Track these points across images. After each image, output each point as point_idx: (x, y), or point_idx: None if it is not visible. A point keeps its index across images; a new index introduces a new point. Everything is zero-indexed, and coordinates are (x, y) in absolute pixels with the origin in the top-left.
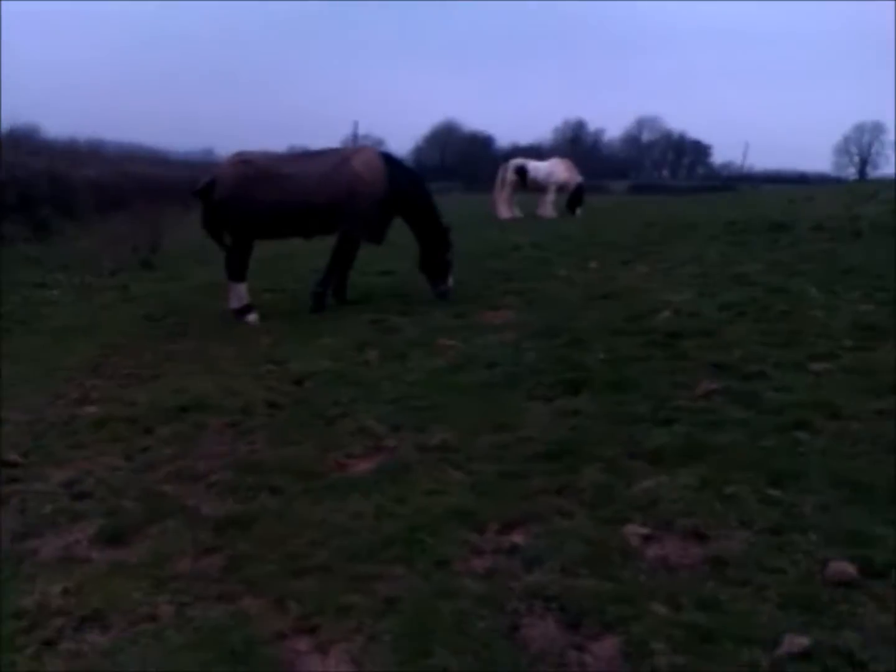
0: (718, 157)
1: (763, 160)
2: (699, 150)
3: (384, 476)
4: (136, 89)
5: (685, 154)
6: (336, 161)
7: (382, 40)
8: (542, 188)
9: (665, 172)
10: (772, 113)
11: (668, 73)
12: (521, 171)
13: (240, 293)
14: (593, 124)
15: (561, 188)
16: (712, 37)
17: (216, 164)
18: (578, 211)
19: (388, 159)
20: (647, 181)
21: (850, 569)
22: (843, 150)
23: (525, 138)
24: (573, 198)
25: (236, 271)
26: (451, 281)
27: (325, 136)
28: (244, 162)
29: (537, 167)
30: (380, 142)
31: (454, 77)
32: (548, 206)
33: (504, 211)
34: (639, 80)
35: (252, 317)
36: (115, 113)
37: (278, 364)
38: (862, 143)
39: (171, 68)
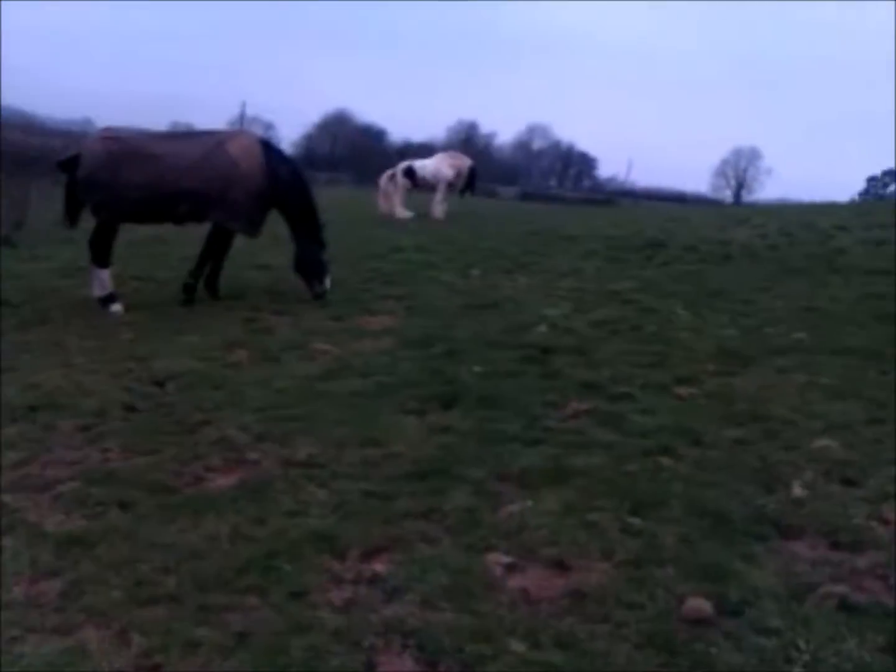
0: (604, 171)
1: (645, 177)
2: (586, 163)
3: (243, 493)
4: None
5: (572, 165)
6: (211, 145)
7: (278, 21)
8: (432, 186)
9: (553, 182)
10: (655, 132)
11: (561, 83)
12: (410, 173)
13: (103, 280)
14: (486, 127)
15: (451, 184)
16: (605, 49)
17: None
18: (468, 195)
19: (267, 147)
20: (535, 189)
21: (705, 606)
22: (720, 172)
23: (418, 135)
24: (467, 183)
25: (99, 255)
26: (327, 282)
27: (211, 115)
28: (112, 138)
29: (424, 166)
30: (269, 125)
31: (349, 66)
32: (437, 207)
33: (396, 212)
34: (531, 86)
35: (116, 307)
36: None
37: (140, 361)
38: (738, 168)
39: (56, 30)
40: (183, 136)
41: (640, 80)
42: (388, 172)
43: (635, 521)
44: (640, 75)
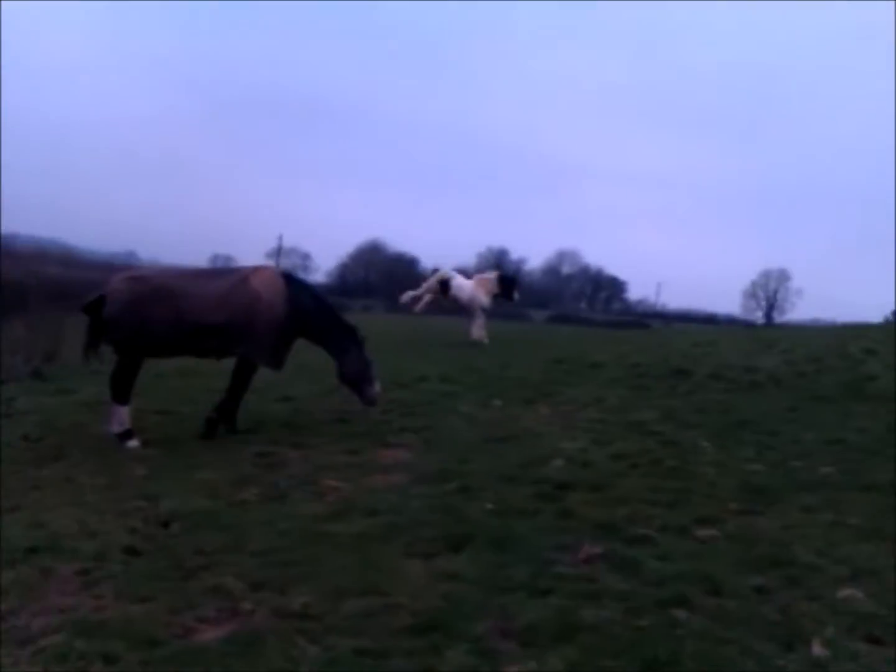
0: (634, 294)
1: (675, 299)
2: (615, 286)
3: (233, 648)
4: (60, 185)
5: (602, 288)
6: (234, 281)
7: (313, 157)
8: (464, 308)
9: (583, 305)
10: (684, 255)
11: (589, 210)
12: (445, 284)
13: (121, 416)
14: (515, 253)
15: (483, 310)
16: (630, 178)
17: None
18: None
19: (288, 278)
20: (566, 312)
21: None
22: (750, 294)
23: (449, 262)
24: (504, 292)
25: (120, 392)
26: (377, 386)
27: (249, 247)
28: (136, 279)
29: (461, 286)
30: (306, 256)
31: (382, 198)
32: (475, 330)
33: (417, 306)
34: (560, 214)
35: (133, 443)
36: (34, 207)
37: (149, 500)
38: (768, 289)
39: (98, 171)
40: (206, 273)
41: (666, 205)
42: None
43: None
44: (665, 201)
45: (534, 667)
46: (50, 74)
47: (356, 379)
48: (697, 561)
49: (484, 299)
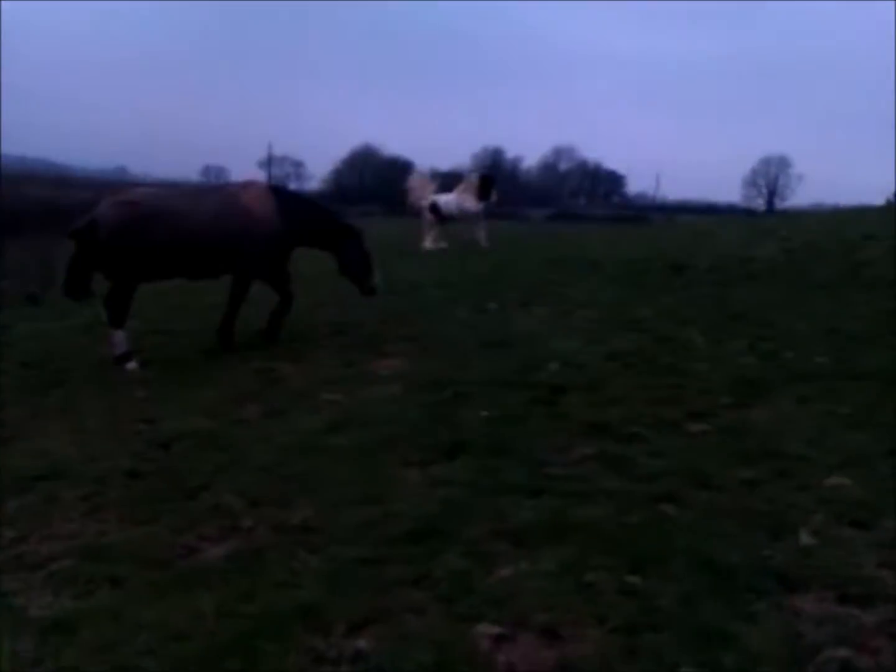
0: (633, 188)
1: (675, 191)
2: (614, 180)
3: (235, 564)
4: (44, 101)
5: (601, 183)
6: (224, 197)
7: (301, 63)
8: (461, 219)
9: (581, 201)
10: (683, 145)
11: (584, 104)
12: (434, 209)
13: (119, 340)
14: (511, 152)
15: (476, 215)
16: (625, 67)
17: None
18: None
19: (276, 191)
20: (564, 210)
21: None
22: (751, 182)
23: (444, 163)
24: (483, 192)
25: (118, 317)
26: (377, 276)
27: (241, 157)
28: (128, 202)
29: (447, 202)
30: (298, 163)
31: (373, 102)
32: (479, 234)
33: (426, 244)
34: (555, 109)
35: (131, 365)
36: (20, 126)
37: (149, 423)
38: (769, 176)
39: (82, 82)
40: (196, 191)
41: (663, 93)
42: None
43: (634, 580)
44: (661, 88)
45: (526, 567)
46: None
47: (357, 271)
48: (688, 456)
49: (473, 205)
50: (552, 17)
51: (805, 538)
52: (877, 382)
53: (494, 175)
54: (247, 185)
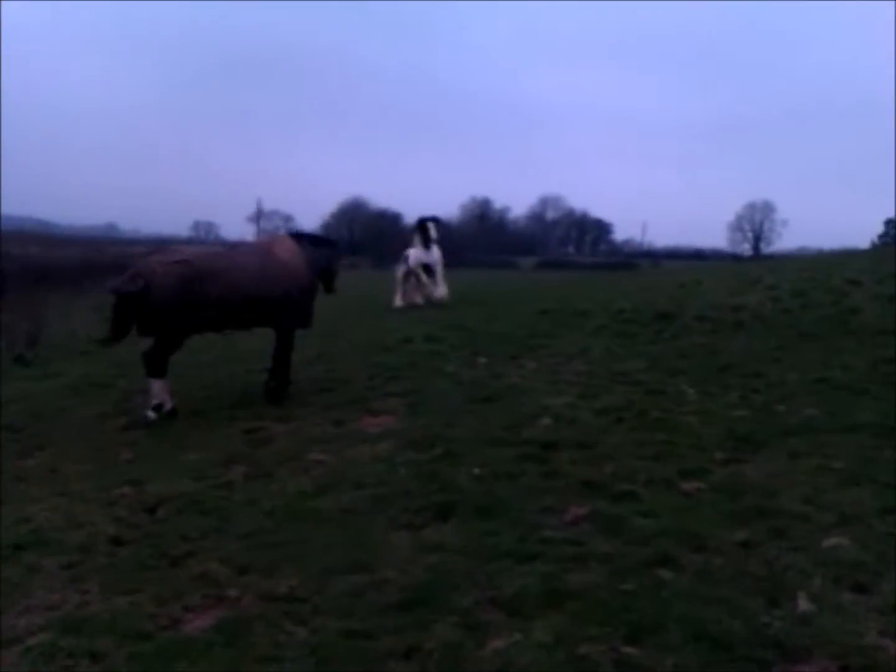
0: (620, 234)
1: (662, 237)
2: (601, 228)
3: (220, 637)
4: (35, 160)
5: (588, 231)
6: (262, 253)
7: (286, 118)
8: (427, 271)
9: (570, 248)
10: (669, 192)
11: (570, 155)
12: (412, 266)
13: (159, 389)
14: (499, 202)
15: (428, 266)
16: (610, 119)
17: (143, 263)
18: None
19: (300, 240)
20: (553, 257)
21: None
22: (736, 227)
23: (434, 213)
24: (424, 237)
25: (158, 369)
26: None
27: (230, 213)
28: (181, 262)
29: (410, 257)
30: (288, 217)
31: (360, 155)
32: (437, 290)
33: (397, 300)
34: (541, 160)
35: (151, 414)
36: (6, 184)
37: (135, 485)
38: (754, 221)
39: (72, 141)
40: (232, 250)
41: (648, 144)
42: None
43: (630, 651)
44: (646, 140)
45: (519, 638)
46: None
47: (327, 273)
48: (683, 516)
49: (424, 255)
50: (538, 72)
51: (804, 604)
52: (868, 436)
53: (431, 217)
54: (277, 240)
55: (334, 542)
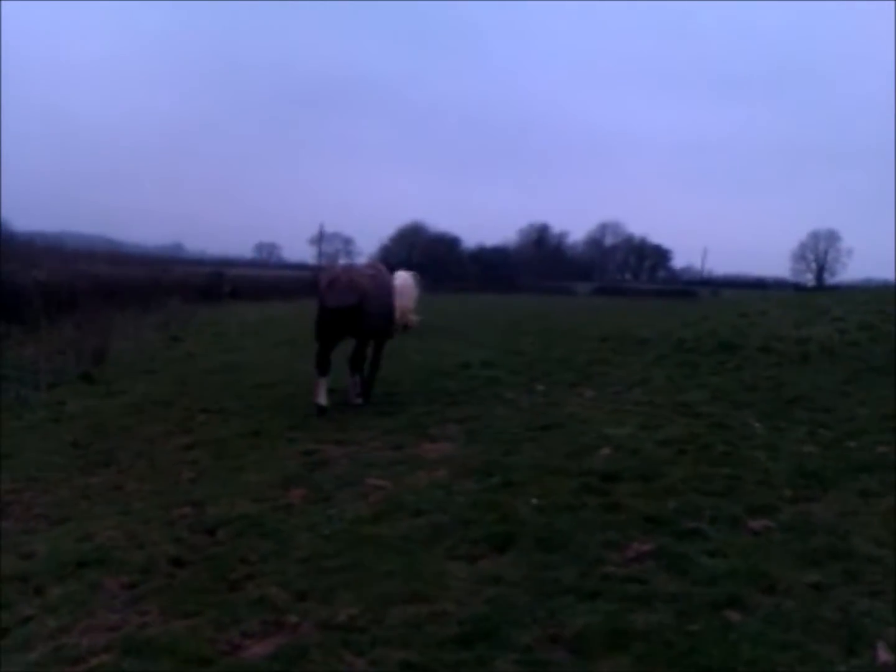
0: (679, 261)
1: (723, 264)
2: (660, 254)
3: (278, 665)
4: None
5: (647, 257)
6: (382, 273)
7: (354, 143)
8: None
9: (627, 275)
10: (730, 219)
11: (630, 180)
12: None
13: (356, 383)
14: (557, 227)
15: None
16: (669, 146)
17: (346, 278)
18: None
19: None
20: (610, 284)
21: None
22: (799, 256)
23: (491, 239)
24: None
25: (358, 367)
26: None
27: (292, 234)
28: (367, 275)
29: None
30: (348, 240)
31: (421, 180)
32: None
33: None
34: (600, 187)
35: (359, 399)
36: (79, 204)
37: (196, 506)
38: (818, 251)
39: (143, 164)
40: (355, 268)
41: (708, 171)
42: None
43: None
44: (706, 167)
45: None
46: (65, 72)
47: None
48: (751, 556)
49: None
50: (599, 98)
51: (884, 654)
52: None
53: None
54: (376, 265)
55: (392, 570)
